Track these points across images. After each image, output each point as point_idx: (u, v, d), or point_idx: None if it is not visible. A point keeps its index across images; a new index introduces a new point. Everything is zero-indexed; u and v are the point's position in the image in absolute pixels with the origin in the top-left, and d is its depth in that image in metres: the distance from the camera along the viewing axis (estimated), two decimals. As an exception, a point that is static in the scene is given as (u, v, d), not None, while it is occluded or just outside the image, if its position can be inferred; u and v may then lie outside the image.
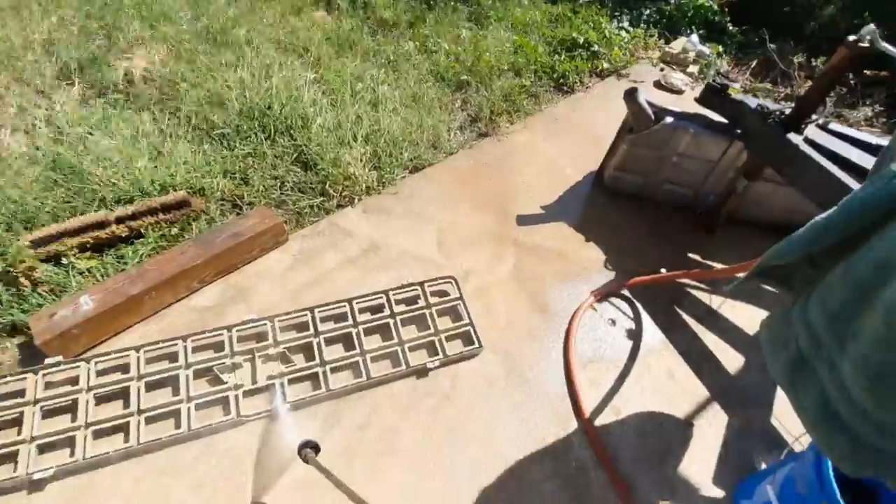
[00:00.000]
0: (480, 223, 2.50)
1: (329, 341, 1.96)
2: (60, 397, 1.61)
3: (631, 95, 2.25)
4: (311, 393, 1.80)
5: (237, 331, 1.89)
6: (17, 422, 1.58)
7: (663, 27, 4.31)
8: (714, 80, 2.26)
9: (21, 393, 1.60)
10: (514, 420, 1.85)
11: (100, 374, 1.72)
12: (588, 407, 1.91)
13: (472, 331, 2.06)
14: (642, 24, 4.30)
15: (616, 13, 4.36)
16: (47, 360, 1.67)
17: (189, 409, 1.67)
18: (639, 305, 2.29)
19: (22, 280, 1.90)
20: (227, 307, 2.02)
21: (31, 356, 1.78)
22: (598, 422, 1.90)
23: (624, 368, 2.08)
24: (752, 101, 2.17)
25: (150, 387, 1.72)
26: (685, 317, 2.29)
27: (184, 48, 3.36)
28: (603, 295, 2.28)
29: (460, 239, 2.41)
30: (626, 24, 4.19)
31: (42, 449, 1.54)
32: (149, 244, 2.13)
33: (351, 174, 2.51)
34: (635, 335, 2.20)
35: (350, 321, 2.01)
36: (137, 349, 1.75)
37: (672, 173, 2.53)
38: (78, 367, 1.67)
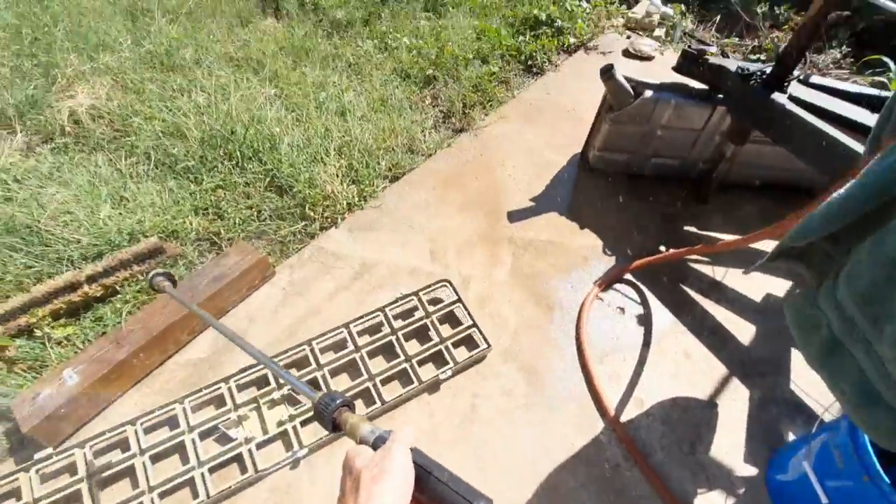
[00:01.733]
0: (471, 225, 2.42)
1: (333, 372, 1.88)
2: (60, 491, 1.48)
3: (608, 73, 2.16)
4: (327, 433, 1.71)
5: (235, 381, 1.79)
6: (18, 525, 1.46)
7: (622, -8, 4.22)
8: (689, 47, 2.19)
9: (16, 493, 1.47)
10: (539, 430, 1.79)
11: (97, 454, 1.60)
12: (611, 403, 1.87)
13: (476, 331, 1.99)
14: (601, -9, 4.20)
15: (573, -17, 4.24)
16: (37, 455, 1.53)
17: (203, 474, 1.57)
18: (644, 288, 2.25)
19: (-6, 362, 1.76)
20: (221, 356, 1.90)
21: (20, 444, 1.65)
22: (624, 417, 1.86)
23: (640, 356, 2.04)
24: (732, 64, 2.10)
25: (156, 458, 1.61)
26: (691, 293, 2.26)
27: (129, 78, 3.14)
28: (607, 283, 2.23)
29: (454, 245, 2.33)
30: (585, -7, 4.08)
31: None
32: (127, 301, 1.99)
33: (330, 193, 2.39)
34: (646, 320, 2.15)
35: (351, 346, 1.92)
36: (133, 422, 1.63)
37: (658, 146, 2.47)
38: (73, 454, 1.54)
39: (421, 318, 2.02)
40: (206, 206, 2.36)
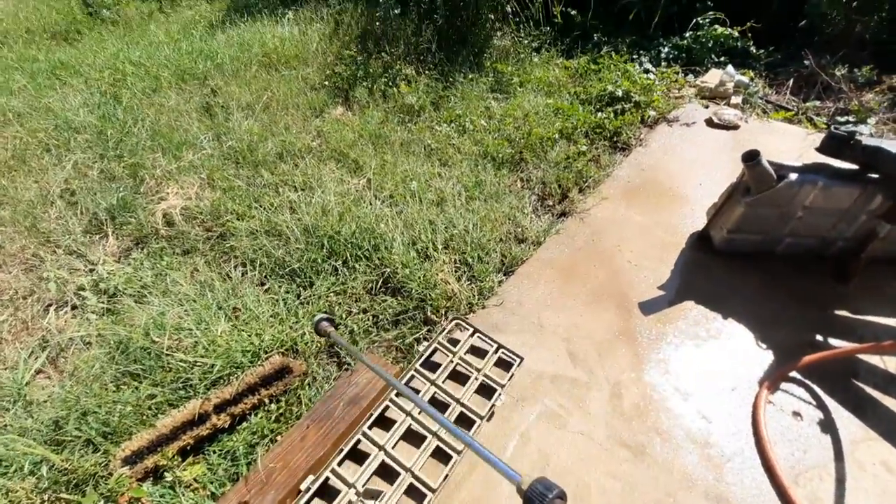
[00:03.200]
0: (604, 321, 2.23)
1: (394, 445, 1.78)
2: None
3: (753, 159, 2.05)
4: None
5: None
6: None
7: (683, 62, 4.25)
8: (835, 128, 2.09)
9: None
10: (752, 579, 1.52)
11: None
12: (825, 539, 1.59)
13: (505, 351, 2.06)
14: (662, 63, 4.24)
15: (633, 56, 4.30)
16: None
17: None
18: (815, 387, 2.01)
19: (126, 516, 1.56)
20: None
21: None
22: (842, 555, 1.57)
23: (837, 473, 1.77)
24: (890, 145, 1.98)
25: None
26: (869, 390, 2.01)
27: (217, 175, 3.14)
28: (774, 383, 1.99)
29: (592, 344, 2.13)
30: (648, 66, 4.11)
31: None
32: (255, 431, 1.81)
33: (451, 291, 2.25)
34: (828, 426, 1.90)
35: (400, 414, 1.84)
36: None
37: (796, 227, 2.31)
38: None
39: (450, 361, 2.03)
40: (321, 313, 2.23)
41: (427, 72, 4.21)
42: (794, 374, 2.04)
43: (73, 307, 2.41)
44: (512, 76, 4.06)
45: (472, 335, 2.11)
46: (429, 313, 2.20)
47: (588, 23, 4.61)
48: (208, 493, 1.66)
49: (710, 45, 4.17)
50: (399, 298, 2.29)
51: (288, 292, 2.34)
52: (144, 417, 1.82)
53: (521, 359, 2.03)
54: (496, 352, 2.06)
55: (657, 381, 2.01)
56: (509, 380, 1.97)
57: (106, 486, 1.57)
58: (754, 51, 4.18)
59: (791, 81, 3.87)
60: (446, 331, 2.10)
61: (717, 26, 4.20)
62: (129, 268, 2.57)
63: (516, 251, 2.53)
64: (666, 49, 4.28)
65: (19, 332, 2.34)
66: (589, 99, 3.71)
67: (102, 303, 2.38)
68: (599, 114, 3.49)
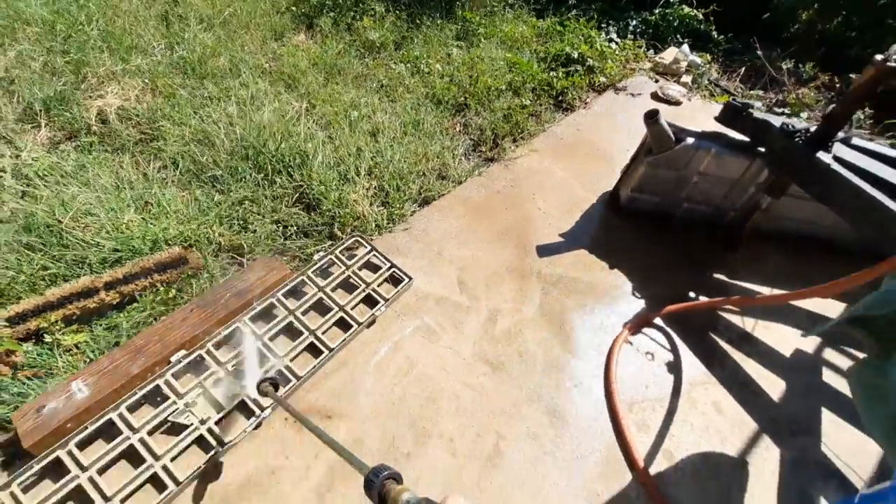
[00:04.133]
0: (501, 257, 2.37)
1: (272, 337, 1.91)
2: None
3: (652, 118, 2.16)
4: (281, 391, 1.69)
5: (171, 374, 1.72)
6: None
7: (650, 38, 4.29)
8: (734, 100, 2.20)
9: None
10: (565, 478, 1.71)
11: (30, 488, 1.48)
12: (640, 455, 1.79)
13: (397, 270, 2.19)
14: (629, 35, 4.28)
15: (602, 24, 4.32)
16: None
17: (164, 465, 1.53)
18: (674, 335, 2.19)
19: (0, 367, 1.67)
20: (239, 375, 1.82)
21: (14, 457, 1.55)
22: (653, 469, 1.78)
23: (670, 406, 1.97)
24: (776, 120, 2.11)
25: (101, 471, 1.52)
26: (721, 343, 2.20)
27: (161, 82, 3.13)
28: (637, 326, 2.17)
29: (483, 276, 2.27)
30: (613, 36, 4.15)
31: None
32: (144, 310, 1.92)
33: (360, 212, 2.35)
34: (675, 368, 2.09)
35: (283, 311, 1.98)
36: (65, 444, 1.53)
37: (691, 192, 2.46)
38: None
39: (343, 272, 2.16)
40: (231, 218, 2.31)
41: (397, 12, 4.17)
42: (658, 321, 2.22)
43: (-8, 187, 2.44)
44: (478, 27, 4.06)
45: (369, 252, 2.22)
46: (335, 230, 2.30)
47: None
48: (87, 358, 1.78)
49: (675, 24, 4.21)
50: (311, 214, 2.38)
51: (207, 196, 2.41)
52: (35, 287, 1.91)
53: (411, 279, 2.16)
54: (388, 270, 2.19)
55: (532, 313, 2.17)
56: (395, 295, 2.10)
57: (-16, 336, 1.66)
58: (715, 35, 4.25)
59: (743, 70, 3.96)
60: (344, 245, 2.21)
61: (684, 6, 4.23)
62: (55, 157, 2.59)
63: (436, 186, 2.63)
64: (634, 22, 4.31)
65: (-67, 202, 2.37)
66: (546, 57, 3.75)
67: (21, 186, 2.42)
68: (551, 73, 3.55)
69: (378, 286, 2.13)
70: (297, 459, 1.63)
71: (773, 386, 2.10)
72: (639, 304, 2.30)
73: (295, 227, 2.32)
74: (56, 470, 1.50)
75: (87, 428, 1.55)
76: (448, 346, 2.00)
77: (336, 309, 2.01)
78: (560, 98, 3.42)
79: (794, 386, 2.11)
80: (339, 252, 2.19)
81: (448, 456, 1.72)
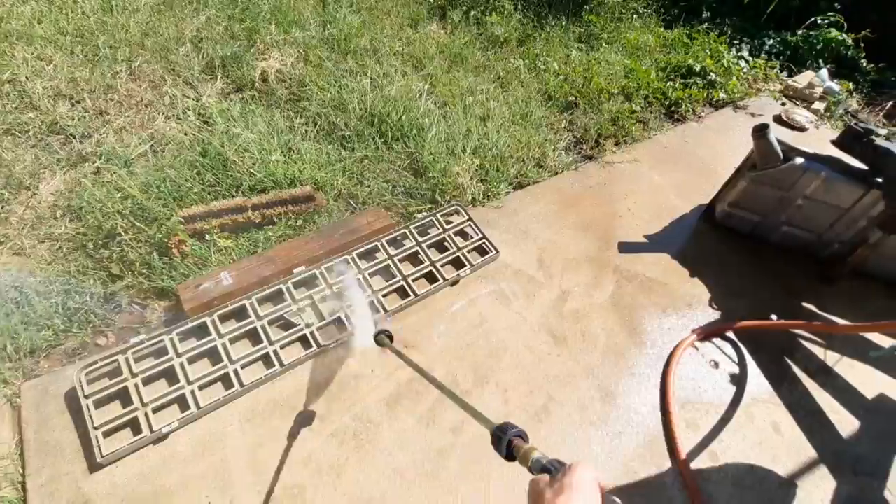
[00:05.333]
0: (582, 246, 2.51)
1: (372, 274, 2.24)
2: (156, 367, 1.83)
3: (760, 131, 2.16)
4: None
5: (291, 283, 2.10)
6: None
7: (787, 59, 4.07)
8: (856, 124, 2.12)
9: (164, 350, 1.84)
10: (605, 450, 1.84)
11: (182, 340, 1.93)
12: (684, 448, 1.86)
13: (486, 242, 2.40)
14: (763, 55, 4.09)
15: (735, 41, 4.18)
16: (132, 340, 1.88)
17: (275, 350, 1.91)
18: (745, 350, 2.19)
19: (174, 251, 2.17)
20: (340, 297, 2.18)
21: (174, 319, 2.03)
22: (694, 465, 1.84)
23: (725, 414, 2.00)
24: (902, 150, 2.01)
25: (232, 341, 1.94)
26: (796, 369, 2.16)
27: (312, 54, 3.65)
28: (706, 334, 2.20)
29: (561, 259, 2.43)
30: (745, 54, 4.00)
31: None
32: (278, 232, 2.35)
33: (460, 184, 2.62)
34: (739, 381, 2.10)
35: (384, 255, 2.30)
36: (210, 314, 1.95)
37: (794, 216, 2.40)
38: (161, 340, 1.89)
39: (439, 234, 2.43)
40: (352, 172, 2.70)
41: (524, 10, 4.39)
42: (730, 334, 2.23)
43: (178, 119, 3.07)
44: (602, 31, 4.14)
45: (465, 221, 2.47)
46: (437, 195, 2.59)
47: (701, -2, 4.49)
48: (232, 258, 2.24)
49: (818, 47, 3.95)
50: (417, 179, 2.70)
51: (336, 151, 2.83)
52: (203, 198, 2.42)
53: (498, 252, 2.37)
54: (479, 240, 2.42)
55: (602, 301, 2.29)
56: (481, 263, 2.33)
57: (165, 226, 2.18)
58: (864, 64, 3.91)
59: (890, 104, 3.62)
60: (445, 211, 2.49)
61: (832, 29, 3.95)
62: (225, 104, 3.18)
63: (532, 172, 2.82)
64: (771, 42, 4.11)
65: (136, 126, 3.04)
66: (665, 67, 3.74)
67: (199, 122, 3.02)
68: (668, 83, 3.55)
69: (468, 252, 2.37)
70: (379, 372, 1.94)
71: (845, 422, 2.03)
72: (714, 316, 2.32)
73: (402, 188, 2.65)
74: (200, 332, 1.95)
75: (227, 307, 1.99)
76: (517, 312, 2.20)
77: (427, 263, 2.29)
78: (672, 108, 3.42)
79: (869, 428, 2.02)
80: (440, 216, 2.46)
81: (501, 403, 1.93)
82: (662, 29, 4.36)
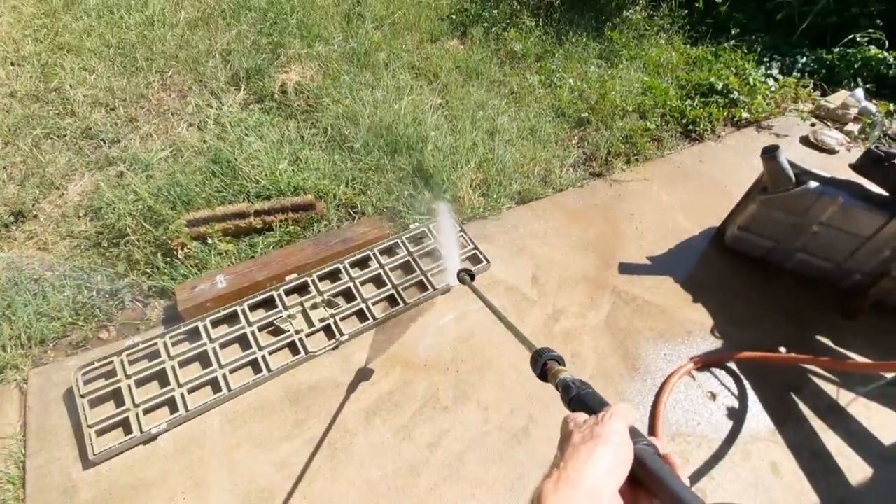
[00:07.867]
0: (580, 264, 2.45)
1: (363, 283, 2.27)
2: (148, 370, 1.90)
3: (771, 153, 2.06)
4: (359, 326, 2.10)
5: (283, 290, 2.14)
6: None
7: (821, 78, 3.88)
8: (877, 146, 1.99)
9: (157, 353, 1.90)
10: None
11: (175, 343, 1.99)
12: (670, 482, 1.76)
13: (478, 252, 2.41)
14: (796, 73, 3.91)
15: (765, 59, 4.02)
16: (126, 342, 1.96)
17: (264, 356, 1.94)
18: (746, 383, 2.07)
19: (176, 252, 2.26)
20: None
21: (171, 318, 2.10)
22: (680, 501, 1.73)
23: (719, 450, 1.88)
24: (926, 176, 1.87)
25: (222, 346, 1.99)
26: (802, 407, 2.02)
27: (332, 67, 3.75)
28: (705, 363, 2.09)
29: (557, 277, 2.38)
30: (775, 72, 3.83)
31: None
32: (275, 237, 2.41)
33: (459, 196, 2.61)
34: (737, 415, 1.98)
35: (376, 265, 2.33)
36: (203, 319, 2.00)
37: (809, 242, 2.26)
38: (155, 343, 1.96)
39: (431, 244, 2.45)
40: (355, 181, 2.74)
41: (545, 27, 4.38)
42: (731, 364, 2.11)
43: (199, 128, 3.22)
44: (623, 48, 4.07)
45: (457, 232, 2.47)
46: (436, 206, 2.59)
47: (728, 14, 4.34)
48: (230, 262, 2.31)
49: (857, 65, 3.74)
50: (417, 189, 2.71)
51: (341, 160, 2.89)
52: (210, 202, 2.52)
53: (489, 263, 2.36)
54: (471, 250, 2.42)
55: (596, 323, 2.22)
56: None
57: (170, 228, 2.27)
58: (908, 84, 3.68)
59: (934, 126, 3.38)
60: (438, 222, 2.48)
61: (871, 47, 3.74)
62: (244, 114, 3.31)
63: (536, 188, 2.78)
64: (804, 60, 3.92)
65: (161, 133, 3.21)
66: (685, 85, 3.64)
67: (217, 130, 3.16)
68: (687, 101, 3.44)
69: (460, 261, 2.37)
70: (358, 381, 1.94)
71: (855, 468, 1.88)
72: (716, 345, 2.20)
73: (403, 198, 2.66)
74: (193, 336, 2.01)
75: (219, 312, 2.04)
76: (506, 329, 2.15)
77: (419, 272, 2.30)
78: (690, 127, 3.31)
79: (883, 478, 1.86)
80: (432, 226, 2.47)
81: (480, 421, 1.89)
82: (687, 46, 4.25)
